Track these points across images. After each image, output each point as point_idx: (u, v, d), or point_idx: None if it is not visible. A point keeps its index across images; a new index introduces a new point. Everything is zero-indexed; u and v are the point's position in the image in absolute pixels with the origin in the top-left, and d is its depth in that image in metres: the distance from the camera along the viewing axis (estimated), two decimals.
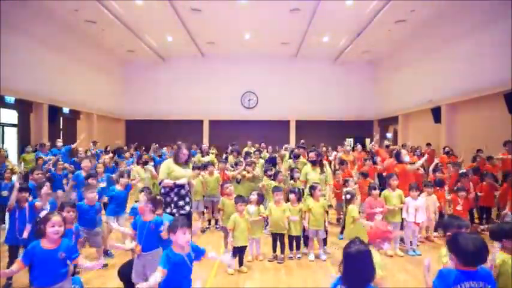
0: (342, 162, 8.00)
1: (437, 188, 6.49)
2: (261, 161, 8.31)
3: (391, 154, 8.48)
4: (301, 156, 7.20)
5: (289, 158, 7.57)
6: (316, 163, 5.71)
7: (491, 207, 7.04)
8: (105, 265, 4.63)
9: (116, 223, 4.53)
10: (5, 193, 5.91)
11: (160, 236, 3.58)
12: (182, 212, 4.78)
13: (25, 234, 4.04)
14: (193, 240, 5.14)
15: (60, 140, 9.66)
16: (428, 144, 11.34)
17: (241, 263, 4.75)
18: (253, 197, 5.17)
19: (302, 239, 5.30)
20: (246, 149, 10.97)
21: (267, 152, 10.33)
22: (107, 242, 5.27)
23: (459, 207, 5.90)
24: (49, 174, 6.88)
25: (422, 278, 4.54)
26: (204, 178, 6.73)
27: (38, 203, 4.24)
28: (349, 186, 6.15)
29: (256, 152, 8.49)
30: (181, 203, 4.76)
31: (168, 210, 4.68)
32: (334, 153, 9.89)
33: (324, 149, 11.06)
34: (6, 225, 4.50)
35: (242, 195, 5.26)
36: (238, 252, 4.72)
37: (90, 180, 5.25)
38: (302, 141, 8.79)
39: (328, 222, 5.74)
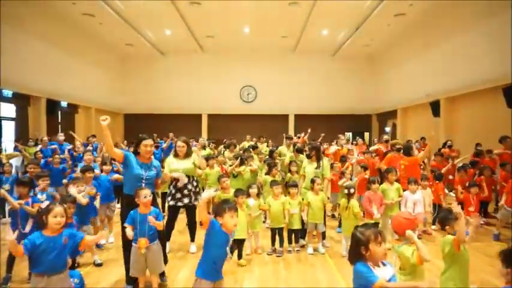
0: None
1: (437, 181, 6.53)
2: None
3: (391, 148, 8.48)
4: (302, 151, 7.19)
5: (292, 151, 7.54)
6: (311, 157, 5.70)
7: (488, 201, 7.08)
8: (100, 264, 4.64)
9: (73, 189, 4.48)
10: (6, 187, 5.91)
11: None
12: (179, 204, 4.90)
13: (27, 228, 4.04)
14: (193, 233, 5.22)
15: (62, 134, 9.60)
16: (423, 139, 11.36)
17: (240, 256, 4.77)
18: (253, 190, 5.17)
19: (300, 232, 5.32)
20: (244, 144, 10.93)
21: (268, 145, 10.29)
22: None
23: (471, 208, 5.76)
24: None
25: None
26: (205, 171, 6.72)
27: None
28: (344, 178, 6.16)
29: (250, 149, 8.37)
30: (178, 195, 4.91)
31: (172, 202, 4.95)
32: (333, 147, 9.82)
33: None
34: (7, 219, 4.48)
35: (241, 188, 5.31)
36: (237, 245, 4.74)
37: (87, 174, 5.25)
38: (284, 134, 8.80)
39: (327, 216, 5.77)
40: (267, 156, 7.92)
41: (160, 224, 3.62)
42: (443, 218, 3.07)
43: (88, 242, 3.03)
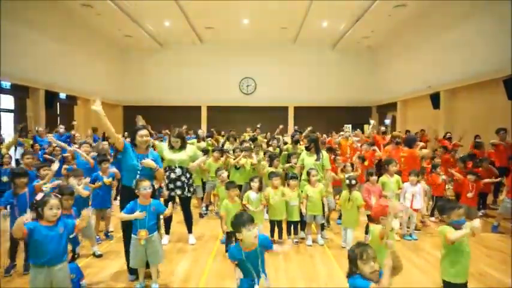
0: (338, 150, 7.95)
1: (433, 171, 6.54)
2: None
3: (390, 140, 8.46)
4: (300, 142, 7.20)
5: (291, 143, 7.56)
6: (309, 149, 5.70)
7: (487, 192, 7.08)
8: (100, 255, 4.64)
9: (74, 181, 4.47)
10: (4, 178, 5.91)
11: (158, 216, 3.71)
12: (172, 194, 4.93)
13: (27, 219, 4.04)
14: (193, 225, 5.23)
15: (62, 127, 9.57)
16: (422, 131, 11.36)
17: None
18: (255, 184, 5.08)
19: (299, 224, 5.33)
20: (244, 136, 10.94)
21: (265, 137, 10.27)
22: (109, 223, 5.49)
23: (470, 194, 5.94)
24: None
25: (418, 262, 4.62)
26: (208, 163, 6.72)
27: (38, 184, 4.13)
28: (346, 172, 6.16)
29: (250, 142, 8.37)
30: (171, 185, 4.93)
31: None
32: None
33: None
34: (7, 211, 4.46)
35: (234, 180, 5.39)
36: (234, 237, 4.72)
37: (103, 165, 5.30)
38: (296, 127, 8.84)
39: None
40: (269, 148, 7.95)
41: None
42: (441, 207, 3.10)
43: (79, 225, 3.07)
